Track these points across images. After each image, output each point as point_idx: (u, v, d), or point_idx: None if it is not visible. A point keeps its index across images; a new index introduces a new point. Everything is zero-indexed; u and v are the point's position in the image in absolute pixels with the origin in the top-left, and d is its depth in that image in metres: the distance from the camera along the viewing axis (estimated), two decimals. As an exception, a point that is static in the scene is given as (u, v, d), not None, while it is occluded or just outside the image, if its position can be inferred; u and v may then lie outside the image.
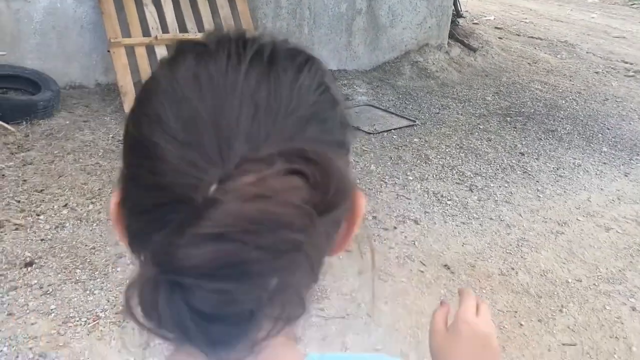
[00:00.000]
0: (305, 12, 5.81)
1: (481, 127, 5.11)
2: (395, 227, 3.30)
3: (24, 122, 4.04)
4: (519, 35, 9.28)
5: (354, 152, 4.28)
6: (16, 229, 2.90)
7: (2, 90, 4.26)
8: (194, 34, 4.88)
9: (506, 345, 2.43)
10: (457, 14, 7.87)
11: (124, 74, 4.55)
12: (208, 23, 5.00)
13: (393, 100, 5.67)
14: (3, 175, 3.39)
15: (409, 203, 3.61)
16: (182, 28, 4.89)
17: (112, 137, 4.07)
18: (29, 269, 2.62)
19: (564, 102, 6.04)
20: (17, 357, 2.11)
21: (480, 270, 2.96)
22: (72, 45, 4.67)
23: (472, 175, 4.10)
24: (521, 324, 2.58)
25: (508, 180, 4.09)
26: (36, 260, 2.68)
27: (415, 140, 4.67)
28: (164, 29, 4.80)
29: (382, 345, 2.37)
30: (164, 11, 4.83)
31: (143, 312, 0.41)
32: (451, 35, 7.35)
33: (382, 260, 2.97)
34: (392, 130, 4.82)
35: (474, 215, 3.54)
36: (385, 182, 3.87)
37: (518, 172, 4.24)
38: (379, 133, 4.72)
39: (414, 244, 3.15)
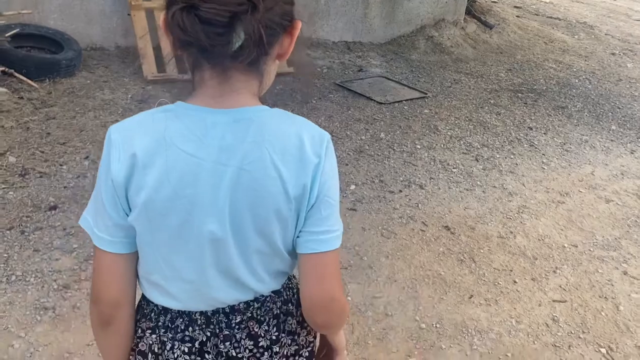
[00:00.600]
0: (322, -17, 5.87)
1: (492, 101, 5.18)
2: (400, 191, 3.43)
3: (47, 80, 4.20)
4: (537, 14, 9.24)
5: (365, 121, 4.39)
6: (40, 177, 3.07)
7: (27, 48, 4.41)
8: None
9: (499, 299, 2.56)
10: (475, -10, 7.84)
11: (143, 37, 4.68)
12: (227, -10, 5.09)
13: (406, 74, 5.74)
14: (28, 128, 3.56)
15: (415, 169, 3.73)
16: (201, -6, 4.98)
17: (131, 97, 4.21)
18: (53, 212, 2.79)
19: (577, 80, 6.07)
20: (43, 287, 2.29)
21: (480, 233, 3.08)
22: (93, 7, 4.80)
23: (479, 146, 4.20)
24: (515, 281, 2.70)
25: (514, 152, 4.18)
26: (59, 205, 2.85)
27: (426, 111, 4.76)
28: (184, -6, 4.90)
29: (380, 293, 2.52)
30: (184, -23, 4.92)
31: (174, 27, 0.80)
32: (468, 12, 7.36)
33: (386, 219, 3.10)
34: (404, 102, 4.91)
35: (478, 183, 3.65)
36: (394, 150, 3.98)
37: (525, 145, 4.32)
38: (390, 103, 4.82)
39: (418, 206, 3.28)
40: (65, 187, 3.00)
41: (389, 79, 5.50)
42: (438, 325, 2.37)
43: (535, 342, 2.34)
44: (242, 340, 0.96)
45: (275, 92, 4.75)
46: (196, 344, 0.95)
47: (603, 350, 2.34)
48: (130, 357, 1.02)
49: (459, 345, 2.28)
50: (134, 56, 4.79)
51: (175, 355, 0.96)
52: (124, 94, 4.23)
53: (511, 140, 4.37)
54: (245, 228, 0.89)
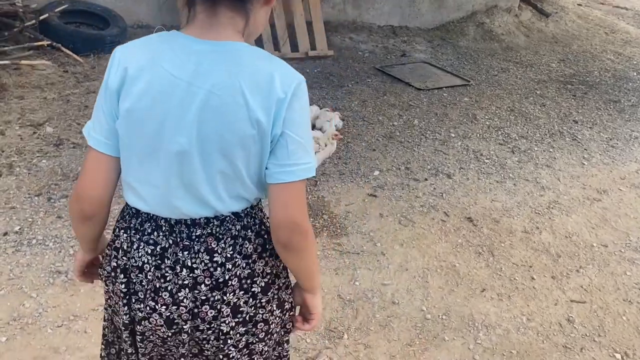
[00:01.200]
0: (370, -35, 5.77)
1: (538, 92, 4.97)
2: (426, 179, 3.35)
3: (92, 55, 4.35)
4: (602, 3, 8.77)
5: (400, 107, 4.31)
6: (73, 147, 3.20)
7: (76, 24, 4.58)
8: (256, -19, 4.99)
9: (512, 295, 2.47)
10: (534, -24, 7.51)
11: (186, 15, 4.75)
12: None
13: (451, 60, 5.59)
14: (68, 100, 3.70)
15: (446, 158, 3.63)
16: (245, -26, 5.01)
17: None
18: (80, 181, 2.90)
19: (635, 74, 5.73)
20: (60, 252, 2.38)
21: (504, 226, 2.97)
22: (141, -14, 4.91)
23: (517, 138, 4.04)
24: (533, 278, 2.60)
25: (554, 145, 4.00)
26: (87, 175, 2.96)
27: (466, 99, 4.62)
28: (228, -26, 4.94)
29: (390, 280, 2.48)
30: (229, -43, 4.96)
31: None
32: (524, -2, 7.06)
33: (406, 207, 3.04)
34: (444, 88, 4.78)
35: (510, 175, 3.52)
36: (426, 137, 3.89)
37: (567, 138, 4.13)
38: (429, 90, 4.71)
39: (442, 195, 3.20)
40: (95, 159, 3.10)
41: (432, 64, 5.36)
42: (444, 317, 2.32)
43: (545, 341, 2.25)
44: (199, 253, 1.06)
45: (313, 75, 4.73)
46: (158, 248, 1.07)
47: (618, 356, 2.22)
48: (107, 250, 1.16)
49: (462, 339, 2.22)
50: (178, 35, 4.88)
51: (140, 255, 1.08)
52: (163, 71, 4.31)
53: (553, 133, 4.18)
54: (210, 147, 0.99)
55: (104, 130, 1.04)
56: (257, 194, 1.09)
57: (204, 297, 1.07)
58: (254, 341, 1.14)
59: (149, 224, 1.07)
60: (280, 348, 1.24)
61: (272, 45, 5.01)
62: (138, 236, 1.08)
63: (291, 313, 1.21)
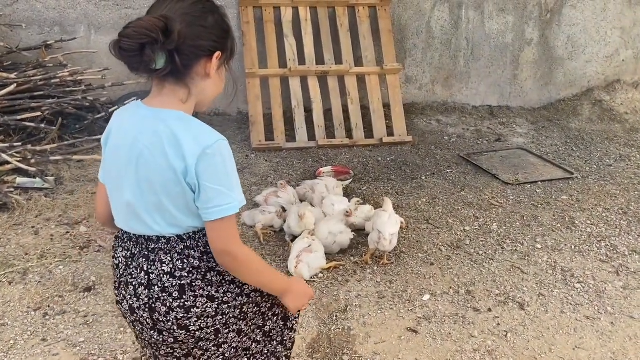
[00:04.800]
0: (461, 43, 5.28)
1: (665, 188, 4.02)
2: (489, 310, 2.67)
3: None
4: None
5: (478, 206, 3.66)
6: (97, 251, 3.03)
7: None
8: (329, 66, 4.73)
9: None
10: (670, 44, 6.46)
11: (255, 105, 4.59)
12: (347, 54, 4.82)
13: (557, 145, 4.81)
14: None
15: (523, 279, 2.91)
16: (320, 60, 4.78)
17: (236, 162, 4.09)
18: (86, 294, 2.68)
19: None
20: (22, 388, 2.11)
21: (586, 391, 2.20)
22: (216, 74, 4.88)
23: (627, 253, 3.18)
24: None
25: (680, 265, 3.08)
26: (97, 286, 2.73)
27: (564, 197, 3.83)
28: (301, 60, 4.74)
29: None
30: (303, 43, 4.78)
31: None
32: (656, 70, 6.05)
33: (453, 351, 2.39)
34: (539, 183, 4.04)
35: (608, 308, 2.70)
36: (503, 248, 3.20)
37: (700, 255, 3.18)
38: (519, 184, 4.00)
39: (506, 335, 2.49)
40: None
41: (529, 152, 4.63)
42: None
43: None
44: (155, 262, 1.34)
45: (383, 164, 4.27)
46: (129, 253, 1.39)
47: None
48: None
49: None
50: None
51: (118, 256, 1.43)
52: (221, 162, 4.12)
53: (679, 247, 3.25)
54: (144, 187, 1.30)
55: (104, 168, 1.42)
56: (190, 223, 1.33)
57: (157, 296, 1.33)
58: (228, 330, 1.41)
59: (125, 235, 1.40)
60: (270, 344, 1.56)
61: (344, 131, 4.66)
62: (118, 242, 1.43)
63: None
